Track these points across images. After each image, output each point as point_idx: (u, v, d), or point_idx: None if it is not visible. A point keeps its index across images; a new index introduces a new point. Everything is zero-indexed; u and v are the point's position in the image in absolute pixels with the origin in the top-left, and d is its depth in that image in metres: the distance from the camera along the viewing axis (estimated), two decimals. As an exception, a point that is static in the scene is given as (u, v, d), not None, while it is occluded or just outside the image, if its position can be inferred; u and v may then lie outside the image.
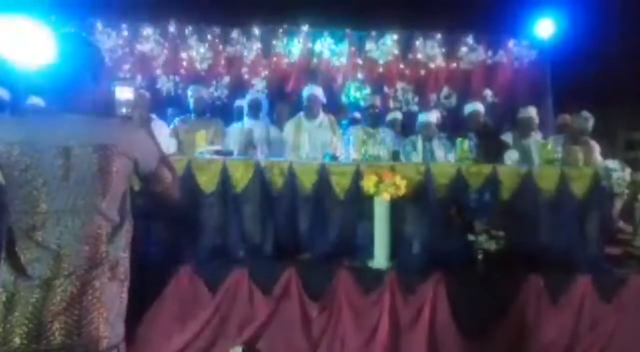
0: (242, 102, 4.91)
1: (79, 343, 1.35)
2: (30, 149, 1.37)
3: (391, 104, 6.00)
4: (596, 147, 4.57)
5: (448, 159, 4.50)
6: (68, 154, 1.38)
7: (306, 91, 4.71)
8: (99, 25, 5.77)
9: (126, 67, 5.79)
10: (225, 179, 3.36)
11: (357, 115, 5.52)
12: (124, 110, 1.60)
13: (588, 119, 4.55)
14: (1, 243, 1.42)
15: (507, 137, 4.67)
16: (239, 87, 5.84)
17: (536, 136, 4.84)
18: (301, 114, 4.70)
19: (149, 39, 5.86)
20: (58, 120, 1.42)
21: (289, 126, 4.68)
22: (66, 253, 1.37)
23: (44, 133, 1.39)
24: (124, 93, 1.61)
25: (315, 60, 6.05)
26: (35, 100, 4.49)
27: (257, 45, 5.98)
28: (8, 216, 1.41)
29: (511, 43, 6.13)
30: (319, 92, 4.69)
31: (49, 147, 1.37)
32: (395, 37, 6.06)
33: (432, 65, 6.12)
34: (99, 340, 1.38)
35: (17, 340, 1.31)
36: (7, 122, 1.47)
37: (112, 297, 1.44)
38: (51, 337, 1.32)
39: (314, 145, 4.43)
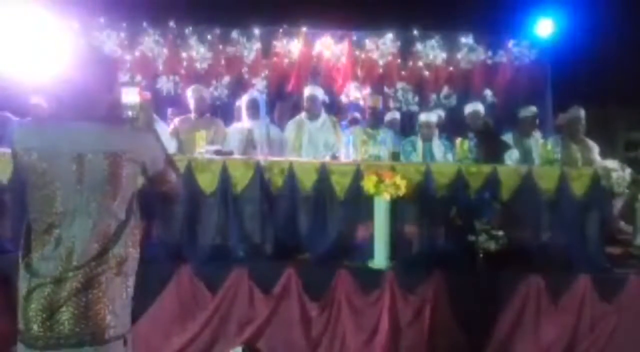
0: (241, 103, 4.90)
1: (86, 332, 1.47)
2: (47, 155, 1.48)
3: (391, 104, 6.01)
4: (595, 147, 4.56)
5: (447, 159, 4.51)
6: (81, 160, 1.49)
7: (307, 92, 4.70)
8: (100, 26, 5.77)
9: (126, 67, 5.79)
10: (225, 179, 3.36)
11: (357, 115, 5.53)
12: (129, 113, 1.64)
13: (580, 110, 4.55)
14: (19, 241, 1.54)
15: (508, 137, 4.67)
16: (239, 87, 5.84)
17: (536, 136, 4.85)
18: (303, 114, 4.70)
19: (149, 39, 5.86)
20: (73, 128, 1.52)
21: (291, 126, 4.67)
22: (78, 250, 1.48)
23: (60, 140, 1.50)
24: (129, 96, 1.65)
25: (315, 60, 6.05)
26: (37, 100, 4.50)
27: (257, 45, 5.98)
28: (27, 215, 1.53)
29: (511, 43, 6.13)
30: (319, 92, 4.69)
31: (64, 154, 1.49)
32: (395, 37, 6.06)
33: (432, 65, 6.12)
34: (105, 329, 1.49)
35: (35, 328, 1.45)
36: (27, 128, 1.58)
37: (117, 291, 1.53)
38: (61, 326, 1.45)
39: (315, 146, 4.44)
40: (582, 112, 4.50)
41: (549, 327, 3.16)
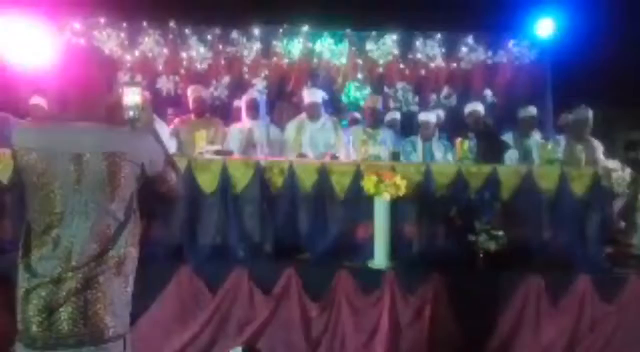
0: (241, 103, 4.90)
1: (85, 332, 1.47)
2: (47, 155, 1.48)
3: (391, 104, 6.01)
4: (599, 147, 4.56)
5: (447, 159, 4.51)
6: (80, 160, 1.49)
7: (307, 98, 4.68)
8: (99, 25, 5.77)
9: (126, 67, 5.79)
10: (225, 179, 3.36)
11: (357, 115, 5.53)
12: (131, 113, 1.62)
13: (588, 110, 4.54)
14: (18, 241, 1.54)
15: (508, 137, 4.67)
16: (239, 87, 5.84)
17: (536, 136, 4.84)
18: (303, 114, 4.70)
19: (149, 39, 5.86)
20: (72, 128, 1.52)
21: (291, 126, 4.67)
22: (77, 250, 1.48)
23: (58, 140, 1.50)
24: (131, 96, 1.63)
25: (315, 60, 6.05)
26: (37, 101, 4.50)
27: (257, 46, 5.98)
28: (27, 215, 1.54)
29: (511, 43, 6.13)
30: (319, 97, 4.67)
31: (63, 154, 1.49)
32: (395, 37, 6.06)
33: (432, 65, 6.12)
34: (104, 329, 1.49)
35: (34, 328, 1.46)
36: (26, 128, 1.58)
37: (116, 291, 1.53)
38: (60, 326, 1.45)
39: (315, 146, 4.44)
40: (590, 113, 4.49)
41: (549, 327, 3.16)
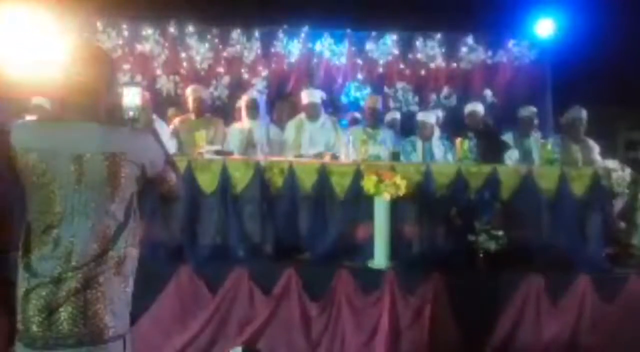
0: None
1: (85, 332, 1.47)
2: (47, 156, 1.48)
3: (391, 104, 6.01)
4: (595, 147, 4.56)
5: (447, 159, 4.51)
6: (80, 161, 1.49)
7: (305, 98, 4.67)
8: (99, 25, 5.77)
9: (126, 67, 5.79)
10: (225, 179, 3.36)
11: (357, 115, 5.53)
12: (131, 113, 1.63)
13: (581, 110, 4.54)
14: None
15: (508, 137, 4.67)
16: (239, 87, 5.84)
17: (536, 136, 4.84)
18: (303, 114, 4.70)
19: (149, 39, 5.86)
20: (72, 128, 1.53)
21: (291, 126, 4.67)
22: (77, 250, 1.48)
23: (59, 140, 1.50)
24: (130, 96, 1.63)
25: (315, 60, 6.06)
26: (38, 101, 4.50)
27: (257, 46, 5.98)
28: (27, 215, 1.54)
29: (511, 43, 6.13)
30: (318, 97, 4.67)
31: (63, 154, 1.49)
32: (395, 37, 6.06)
33: (432, 65, 6.12)
34: (103, 329, 1.49)
35: (34, 328, 1.46)
36: (26, 128, 1.58)
37: (116, 291, 1.53)
38: (60, 326, 1.45)
39: (315, 145, 4.44)
40: (583, 113, 4.49)
41: (549, 327, 3.16)
